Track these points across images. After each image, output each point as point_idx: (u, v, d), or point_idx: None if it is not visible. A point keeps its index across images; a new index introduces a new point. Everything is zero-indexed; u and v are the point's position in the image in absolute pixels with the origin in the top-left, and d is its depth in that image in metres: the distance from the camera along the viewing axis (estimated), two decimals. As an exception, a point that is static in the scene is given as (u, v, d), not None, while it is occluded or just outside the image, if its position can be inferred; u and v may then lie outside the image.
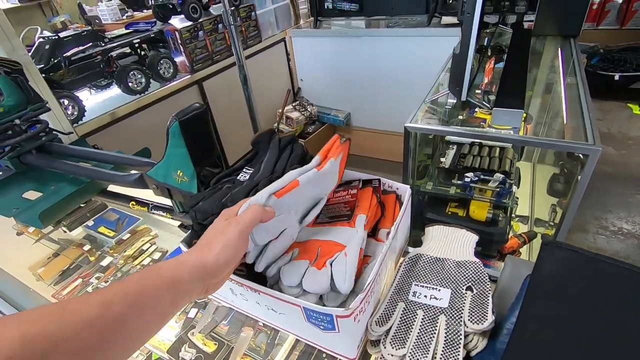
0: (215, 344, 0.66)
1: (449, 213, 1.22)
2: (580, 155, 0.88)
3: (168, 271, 0.35)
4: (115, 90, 1.76)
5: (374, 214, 0.55)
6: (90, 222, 0.99)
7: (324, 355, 0.54)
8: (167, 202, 0.74)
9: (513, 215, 1.55)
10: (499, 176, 1.11)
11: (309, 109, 2.51)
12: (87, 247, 0.93)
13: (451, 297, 0.48)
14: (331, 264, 0.46)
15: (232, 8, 1.22)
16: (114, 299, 0.31)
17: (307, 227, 0.53)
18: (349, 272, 0.44)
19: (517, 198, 1.56)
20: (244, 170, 0.54)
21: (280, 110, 2.49)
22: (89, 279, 0.84)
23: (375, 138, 2.54)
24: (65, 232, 0.98)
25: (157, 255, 0.88)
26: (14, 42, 1.01)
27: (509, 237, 1.25)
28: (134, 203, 0.78)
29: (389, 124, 2.43)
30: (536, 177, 1.87)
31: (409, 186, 0.56)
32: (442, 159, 1.29)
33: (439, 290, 0.49)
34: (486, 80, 1.41)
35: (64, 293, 0.82)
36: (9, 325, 0.26)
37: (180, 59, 1.88)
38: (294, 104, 2.55)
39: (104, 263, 0.88)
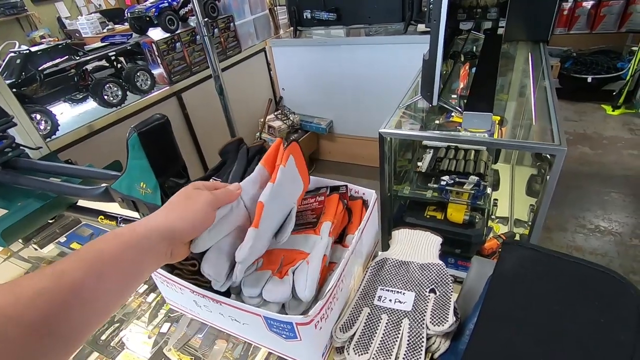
0: (191, 359, 0.65)
1: (428, 217, 1.23)
2: (548, 155, 0.90)
3: (128, 231, 0.35)
4: (92, 104, 1.74)
5: (340, 221, 0.55)
6: (62, 239, 0.97)
7: (296, 365, 0.53)
8: (135, 215, 0.73)
9: (493, 217, 1.58)
10: (473, 178, 1.13)
11: (291, 118, 2.52)
12: (58, 264, 0.90)
13: (415, 300, 0.48)
14: (293, 273, 0.46)
15: (206, 19, 1.22)
16: (67, 267, 0.30)
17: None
18: (310, 280, 0.44)
19: (497, 200, 1.58)
20: (212, 179, 0.54)
21: (262, 120, 2.49)
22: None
23: (358, 145, 2.56)
24: (36, 249, 0.95)
25: (130, 270, 0.86)
26: (-21, 57, 0.99)
27: (489, 238, 1.27)
28: (102, 217, 0.77)
29: (370, 130, 2.46)
30: (515, 179, 1.91)
31: (374, 191, 0.57)
32: (419, 164, 1.31)
33: (404, 293, 0.49)
34: (462, 86, 1.43)
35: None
36: None
37: (158, 71, 1.87)
38: (276, 113, 2.56)
39: (75, 280, 0.86)
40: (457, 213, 1.16)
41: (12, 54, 1.39)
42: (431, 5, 0.93)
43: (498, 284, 0.46)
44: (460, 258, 1.22)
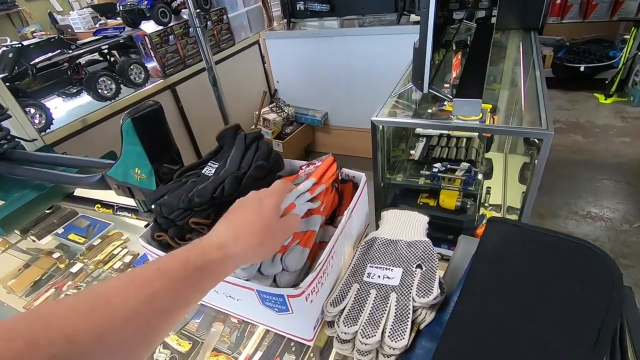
0: (190, 343, 0.66)
1: (420, 204, 1.25)
2: (536, 140, 0.92)
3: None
4: (86, 98, 1.73)
5: (330, 201, 0.56)
6: (60, 230, 0.98)
7: (292, 344, 0.55)
8: (132, 202, 0.74)
9: (486, 204, 1.60)
10: (465, 165, 1.15)
11: (286, 110, 2.53)
12: (56, 255, 0.92)
13: (402, 275, 0.50)
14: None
15: (199, 11, 1.22)
16: (157, 294, 0.28)
17: None
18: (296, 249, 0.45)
19: (490, 188, 1.60)
20: (209, 164, 0.55)
21: (257, 112, 2.50)
22: (61, 289, 0.83)
23: (353, 136, 2.57)
24: (34, 241, 0.96)
25: (128, 259, 0.88)
26: (-28, 51, 1.00)
27: (481, 224, 1.29)
28: (99, 206, 0.78)
29: (365, 121, 2.44)
30: (508, 167, 1.93)
31: (364, 174, 0.58)
32: (412, 152, 1.33)
33: (392, 270, 0.51)
34: (454, 75, 1.45)
35: (35, 304, 0.81)
36: (49, 321, 0.24)
37: (151, 64, 1.86)
38: (271, 106, 2.56)
39: (74, 269, 0.87)
40: (449, 199, 1.19)
41: (5, 48, 1.39)
42: (420, -7, 0.94)
43: (481, 257, 0.48)
44: (453, 244, 1.24)
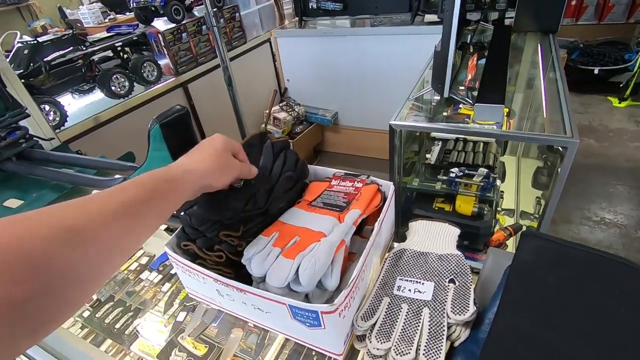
0: (206, 347, 0.66)
1: (436, 208, 1.23)
2: (560, 147, 0.90)
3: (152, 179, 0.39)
4: (98, 95, 1.73)
5: (370, 213, 0.54)
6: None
7: (313, 354, 0.54)
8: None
9: (499, 208, 1.59)
10: (483, 170, 1.14)
11: (296, 109, 2.51)
12: (72, 255, 0.92)
13: (434, 289, 0.49)
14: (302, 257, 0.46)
15: (215, 9, 1.21)
16: (134, 199, 0.34)
17: (298, 208, 0.53)
18: (336, 270, 0.44)
19: (503, 192, 1.59)
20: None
21: (267, 111, 2.49)
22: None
23: (363, 136, 2.55)
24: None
25: (144, 260, 0.87)
26: (-10, 48, 0.99)
27: (495, 230, 1.28)
28: (118, 208, 0.77)
29: (375, 122, 2.45)
30: (521, 171, 1.91)
31: (392, 183, 0.57)
32: (428, 156, 1.31)
33: (423, 283, 0.50)
34: (469, 77, 1.43)
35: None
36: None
37: (164, 61, 1.86)
38: (281, 105, 2.55)
39: (90, 269, 0.87)
40: (465, 205, 1.17)
41: (20, 45, 1.38)
42: (444, -4, 0.92)
43: (516, 273, 0.47)
44: (468, 250, 1.22)
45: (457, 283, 0.48)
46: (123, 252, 0.34)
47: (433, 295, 0.48)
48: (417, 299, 0.48)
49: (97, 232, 0.30)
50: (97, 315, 0.76)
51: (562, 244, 0.48)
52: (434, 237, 0.55)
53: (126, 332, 0.72)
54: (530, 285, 0.46)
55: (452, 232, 0.55)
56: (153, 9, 1.81)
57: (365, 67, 2.30)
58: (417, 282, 0.50)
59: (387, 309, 0.48)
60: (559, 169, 0.91)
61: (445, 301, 0.46)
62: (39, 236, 0.26)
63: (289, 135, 2.49)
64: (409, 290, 0.50)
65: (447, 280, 0.49)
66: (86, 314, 0.77)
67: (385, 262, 0.55)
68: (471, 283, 0.48)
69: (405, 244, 0.57)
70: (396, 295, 0.50)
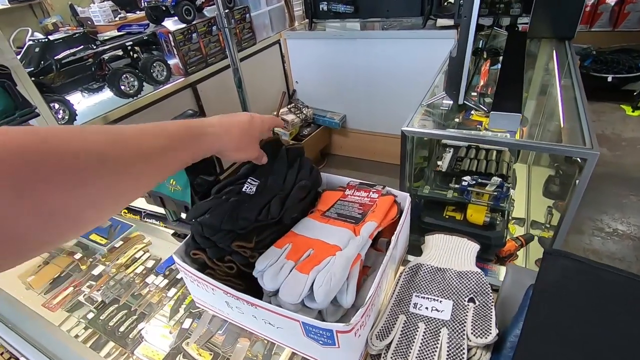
0: (211, 354, 0.65)
1: (447, 217, 1.21)
2: (578, 159, 0.87)
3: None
4: (107, 94, 1.73)
5: (386, 226, 0.52)
6: (81, 230, 0.97)
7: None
8: (160, 210, 0.72)
9: (510, 217, 1.55)
10: (496, 180, 1.11)
11: (304, 112, 2.50)
12: (78, 256, 0.91)
13: (453, 309, 0.46)
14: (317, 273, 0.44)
15: (227, 10, 1.20)
16: (162, 147, 0.36)
17: (311, 219, 0.51)
18: (351, 287, 0.42)
19: (513, 200, 1.55)
20: (249, 180, 0.52)
21: (275, 113, 2.48)
22: (80, 288, 0.82)
23: (371, 140, 2.53)
24: (55, 239, 0.95)
25: (150, 264, 0.86)
26: (2, 46, 0.99)
27: (506, 240, 1.25)
28: (126, 211, 0.76)
29: (384, 126, 2.43)
30: (532, 179, 1.87)
31: (408, 194, 0.55)
32: (439, 163, 1.28)
33: (441, 301, 0.48)
34: (482, 83, 1.40)
35: (54, 302, 0.80)
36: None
37: (173, 61, 1.85)
38: (289, 106, 2.54)
39: (96, 272, 0.86)
40: (477, 214, 1.14)
41: (31, 43, 1.38)
42: (462, 1, 0.90)
43: (541, 295, 0.45)
44: (479, 260, 1.20)
45: (478, 302, 0.46)
46: (127, 196, 0.33)
47: (452, 315, 0.46)
48: (434, 318, 0.46)
49: (119, 165, 0.30)
50: (101, 317, 0.75)
51: (591, 264, 0.46)
52: (453, 252, 0.53)
53: (130, 336, 0.71)
54: (557, 309, 0.43)
55: (471, 248, 0.53)
56: (164, 8, 1.81)
57: (375, 70, 2.28)
58: (434, 299, 0.48)
59: (403, 327, 0.46)
60: (577, 181, 0.88)
61: (465, 322, 0.44)
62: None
63: (297, 138, 2.48)
64: (426, 308, 0.48)
65: (466, 299, 0.47)
66: (90, 315, 0.76)
67: (400, 276, 0.53)
68: (492, 303, 0.46)
69: (422, 258, 0.55)
70: (412, 313, 0.48)
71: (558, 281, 0.46)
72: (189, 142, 0.39)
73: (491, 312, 0.44)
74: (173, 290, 0.78)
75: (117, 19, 4.15)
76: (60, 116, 1.40)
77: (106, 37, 1.77)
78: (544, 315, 0.43)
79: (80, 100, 1.72)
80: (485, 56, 1.58)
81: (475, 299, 0.47)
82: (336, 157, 2.77)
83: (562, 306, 0.44)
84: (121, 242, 0.93)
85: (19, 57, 1.41)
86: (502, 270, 0.63)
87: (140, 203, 0.73)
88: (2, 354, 1.20)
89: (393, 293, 0.51)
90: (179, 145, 0.38)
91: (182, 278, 0.78)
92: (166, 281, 0.80)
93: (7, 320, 0.72)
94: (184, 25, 1.81)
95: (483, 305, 0.45)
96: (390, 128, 2.40)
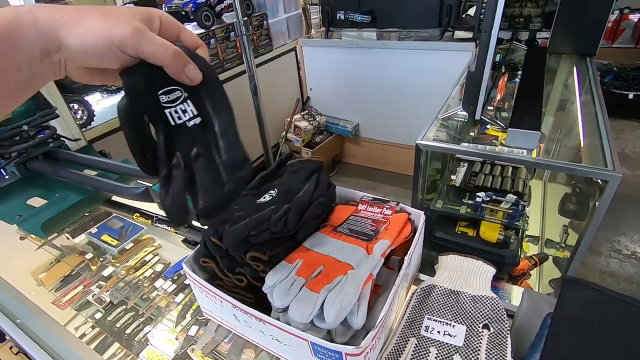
0: None
1: (459, 232, 1.19)
2: (599, 180, 0.85)
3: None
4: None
5: (399, 244, 0.51)
6: (93, 230, 0.98)
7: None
8: (171, 215, 0.72)
9: (524, 235, 1.52)
10: (511, 197, 1.08)
11: (317, 119, 2.50)
12: (89, 256, 0.92)
13: (466, 334, 0.45)
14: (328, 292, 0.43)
15: (245, 18, 1.22)
16: None
17: (323, 234, 0.50)
18: (362, 308, 0.41)
19: (527, 217, 1.52)
20: (267, 193, 0.51)
21: (288, 119, 2.48)
22: (89, 287, 0.83)
23: (383, 150, 2.52)
24: (68, 238, 0.97)
25: (159, 267, 0.86)
26: (27, 47, 1.01)
27: (520, 259, 1.22)
28: (138, 215, 0.76)
29: (397, 135, 2.42)
30: (547, 196, 1.83)
31: (422, 212, 0.54)
32: (453, 177, 1.27)
33: (454, 326, 0.46)
34: (499, 97, 1.38)
35: (64, 300, 0.81)
36: None
37: (191, 66, 1.87)
38: (302, 113, 2.54)
39: (106, 273, 0.86)
40: (490, 231, 1.12)
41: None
42: (482, 15, 0.89)
43: (561, 326, 0.43)
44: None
45: (492, 330, 0.45)
46: None
47: (465, 341, 0.44)
48: (446, 344, 0.45)
49: None
50: (108, 318, 0.75)
51: (614, 296, 0.44)
52: (467, 274, 0.52)
53: (136, 339, 0.71)
54: (577, 340, 0.41)
55: (486, 271, 0.51)
56: (184, 13, 1.84)
57: (390, 80, 2.27)
58: (447, 323, 0.47)
59: (413, 352, 0.45)
60: (597, 203, 0.85)
61: (479, 349, 0.43)
62: None
63: (309, 145, 2.48)
64: (438, 332, 0.46)
65: (480, 325, 0.46)
66: (98, 315, 0.76)
67: (412, 297, 0.51)
68: (508, 332, 0.44)
69: (435, 279, 0.53)
70: (423, 336, 0.46)
71: (579, 312, 0.44)
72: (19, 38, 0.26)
73: (507, 340, 0.43)
74: (181, 296, 0.78)
75: (138, 21, 4.24)
76: (79, 116, 1.43)
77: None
78: (563, 347, 0.41)
79: (100, 100, 1.75)
80: (503, 70, 1.56)
81: (490, 325, 0.45)
82: (348, 166, 2.76)
83: (583, 338, 0.42)
84: (131, 244, 0.94)
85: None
86: (514, 289, 0.61)
87: (153, 208, 0.73)
88: (11, 347, 1.22)
89: (404, 314, 0.50)
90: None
91: (190, 284, 0.78)
92: (174, 286, 0.80)
93: (15, 316, 0.73)
94: (202, 31, 1.84)
95: (498, 333, 0.44)
96: (403, 138, 2.39)
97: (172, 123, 0.31)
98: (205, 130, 0.30)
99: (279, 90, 2.47)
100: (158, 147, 0.31)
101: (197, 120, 0.30)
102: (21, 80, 0.28)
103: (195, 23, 1.87)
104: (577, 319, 0.43)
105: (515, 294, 0.58)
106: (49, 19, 0.27)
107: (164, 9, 1.92)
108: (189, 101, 0.30)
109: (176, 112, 0.30)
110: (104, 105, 1.75)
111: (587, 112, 1.20)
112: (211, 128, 0.30)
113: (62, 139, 0.90)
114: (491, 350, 0.42)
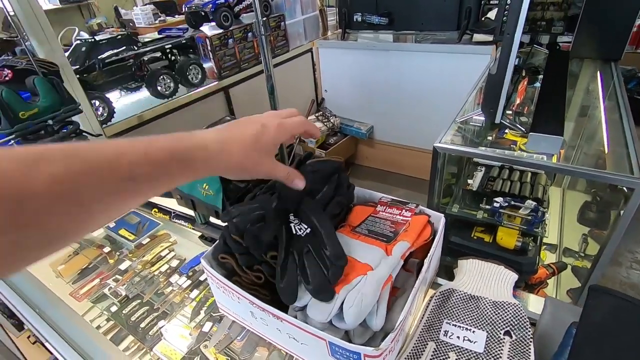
0: (227, 359, 0.64)
1: (475, 237, 1.16)
2: (625, 188, 0.82)
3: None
4: (144, 93, 1.79)
5: (419, 246, 0.50)
6: (111, 224, 1.00)
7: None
8: (189, 211, 0.73)
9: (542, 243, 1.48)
10: (530, 203, 1.06)
11: (331, 120, 2.50)
12: (107, 249, 0.93)
13: (487, 341, 0.44)
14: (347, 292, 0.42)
15: (264, 19, 1.23)
16: (138, 177, 0.30)
17: (341, 234, 0.50)
18: (381, 309, 0.41)
19: (546, 225, 1.49)
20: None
21: (303, 120, 2.49)
22: (106, 280, 0.84)
23: (398, 153, 2.50)
24: (87, 231, 0.99)
25: (174, 263, 0.87)
26: (53, 44, 1.04)
27: (538, 267, 1.19)
28: (156, 210, 0.77)
29: (412, 139, 2.40)
30: (566, 203, 1.79)
31: (442, 215, 0.53)
32: (470, 181, 1.25)
33: (474, 332, 0.45)
34: (518, 101, 1.36)
35: (81, 292, 0.82)
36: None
37: (208, 65, 1.90)
38: (317, 115, 2.55)
39: (123, 267, 0.88)
40: (508, 238, 1.09)
41: (79, 42, 1.46)
42: (505, 17, 0.88)
43: (587, 336, 0.42)
44: (507, 285, 1.14)
45: (514, 337, 0.43)
46: (88, 229, 0.29)
47: (485, 347, 0.43)
48: (466, 349, 0.44)
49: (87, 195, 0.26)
50: (123, 312, 0.76)
51: (638, 304, 0.42)
52: (488, 280, 0.51)
53: (150, 333, 0.72)
54: (603, 350, 0.40)
55: (508, 277, 0.50)
56: (203, 14, 1.86)
57: (406, 83, 2.26)
58: (467, 329, 0.46)
59: (432, 355, 0.44)
60: (622, 212, 0.83)
61: (500, 356, 0.42)
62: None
63: (323, 146, 2.48)
64: (458, 337, 0.45)
65: (502, 331, 0.44)
66: (114, 308, 0.77)
67: (431, 300, 0.51)
68: (531, 339, 0.43)
69: (454, 283, 0.52)
70: (442, 341, 0.45)
71: (605, 321, 0.43)
72: (173, 170, 0.32)
73: (530, 349, 0.42)
74: (195, 292, 0.78)
75: (156, 21, 4.32)
76: (100, 112, 1.46)
77: (147, 39, 1.85)
78: (589, 357, 0.40)
79: (119, 98, 1.79)
80: (523, 74, 1.53)
81: (512, 332, 0.44)
82: (362, 168, 2.75)
83: (609, 348, 0.41)
84: (148, 239, 0.95)
85: (66, 54, 1.50)
86: (531, 298, 0.60)
87: (171, 203, 0.74)
88: (28, 337, 1.25)
89: (422, 317, 0.49)
90: (160, 173, 0.31)
91: (204, 280, 0.79)
92: (189, 282, 0.81)
93: (36, 305, 0.75)
94: (221, 31, 1.86)
95: (521, 341, 0.43)
96: (418, 141, 2.36)
97: (294, 232, 0.46)
98: (314, 235, 0.45)
99: (294, 91, 2.48)
100: (279, 246, 0.45)
101: (308, 230, 0.46)
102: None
103: (214, 23, 1.90)
104: (603, 328, 0.42)
105: (532, 302, 0.57)
106: (219, 167, 0.38)
107: (184, 9, 1.96)
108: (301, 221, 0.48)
109: (296, 226, 0.47)
110: (124, 102, 1.78)
111: (611, 119, 1.16)
112: (319, 234, 0.45)
113: (84, 134, 0.92)
114: (513, 358, 0.41)
